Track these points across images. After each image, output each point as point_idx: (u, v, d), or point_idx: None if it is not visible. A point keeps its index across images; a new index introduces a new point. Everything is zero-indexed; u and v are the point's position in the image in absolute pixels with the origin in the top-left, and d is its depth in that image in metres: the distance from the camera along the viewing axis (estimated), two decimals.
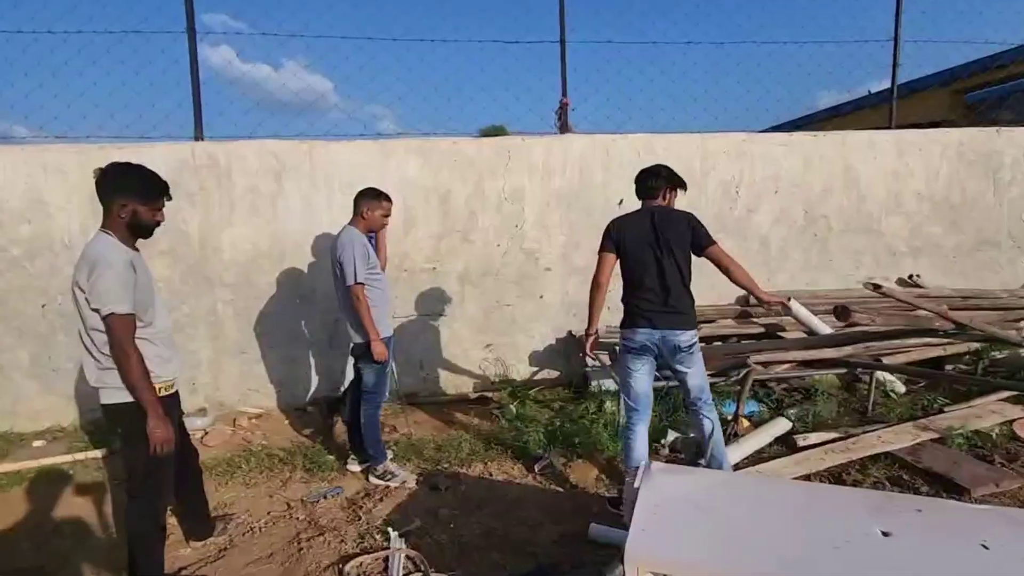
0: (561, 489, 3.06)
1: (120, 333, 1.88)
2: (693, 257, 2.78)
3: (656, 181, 2.84)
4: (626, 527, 2.02)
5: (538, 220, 4.46)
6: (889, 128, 4.92)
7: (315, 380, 4.41)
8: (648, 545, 1.56)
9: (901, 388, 4.20)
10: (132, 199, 1.98)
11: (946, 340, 4.07)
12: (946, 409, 3.70)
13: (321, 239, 4.24)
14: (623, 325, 2.90)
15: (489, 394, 4.40)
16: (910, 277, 4.88)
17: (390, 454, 3.32)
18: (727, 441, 3.40)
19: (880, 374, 4.04)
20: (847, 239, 4.81)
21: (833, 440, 3.37)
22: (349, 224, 3.17)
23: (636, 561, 1.52)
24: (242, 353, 4.28)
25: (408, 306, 4.38)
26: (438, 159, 4.30)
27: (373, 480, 3.13)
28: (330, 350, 4.39)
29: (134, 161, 2.09)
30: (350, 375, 4.35)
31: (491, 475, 3.20)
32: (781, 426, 3.56)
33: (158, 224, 2.09)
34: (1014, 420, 3.57)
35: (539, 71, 4.99)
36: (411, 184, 4.28)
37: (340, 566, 2.35)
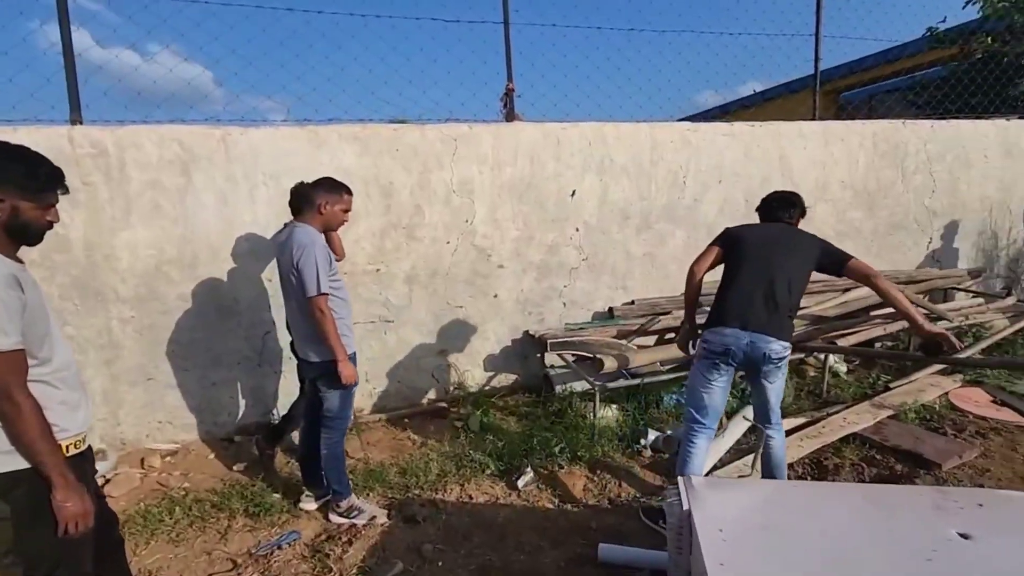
0: (551, 505, 2.81)
1: (5, 377, 1.36)
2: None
3: (792, 212, 2.79)
4: (660, 545, 1.80)
5: (489, 214, 4.15)
6: (813, 119, 5.15)
7: (242, 405, 3.80)
8: None
9: (843, 368, 4.40)
10: (11, 192, 1.44)
11: (886, 321, 4.28)
12: (891, 386, 3.90)
13: (244, 240, 3.65)
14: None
15: (446, 404, 4.05)
16: None
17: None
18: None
19: (825, 357, 4.19)
20: None
21: (803, 426, 3.41)
22: (300, 221, 2.68)
23: None
24: (147, 380, 3.58)
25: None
26: (378, 147, 3.85)
27: (336, 519, 2.68)
28: (259, 369, 3.81)
29: None
30: (287, 397, 3.82)
31: (471, 498, 2.87)
32: (741, 425, 3.54)
33: (49, 226, 1.55)
34: (949, 391, 3.83)
35: (483, 54, 4.62)
36: (348, 175, 3.75)
37: None
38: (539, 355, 4.28)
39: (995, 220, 5.76)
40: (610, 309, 4.51)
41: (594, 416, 3.51)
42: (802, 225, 5.02)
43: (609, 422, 3.55)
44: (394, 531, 2.60)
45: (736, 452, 3.19)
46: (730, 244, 2.64)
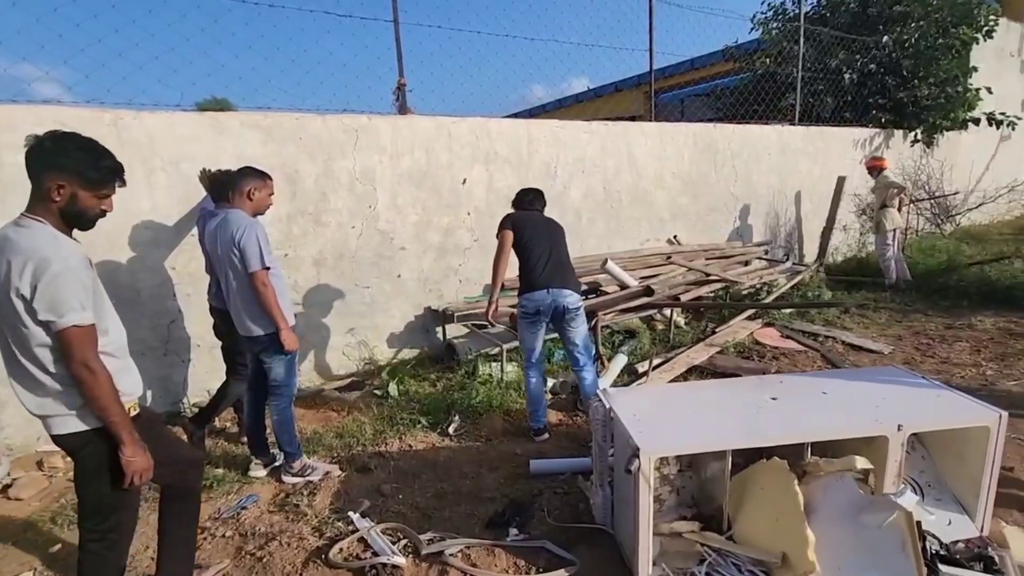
0: (480, 443, 3.33)
1: (84, 349, 1.53)
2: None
3: (543, 202, 3.59)
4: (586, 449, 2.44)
5: (391, 200, 4.49)
6: (651, 120, 6.25)
7: (149, 397, 3.71)
8: (651, 440, 2.01)
9: (682, 321, 5.53)
10: (73, 180, 1.57)
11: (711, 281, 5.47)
12: (716, 330, 5.07)
13: (144, 228, 3.57)
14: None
15: (358, 379, 4.33)
16: (674, 237, 6.35)
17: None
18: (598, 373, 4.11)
19: (668, 312, 5.27)
20: (632, 209, 5.99)
21: (659, 364, 4.36)
22: (227, 207, 2.83)
23: (649, 453, 1.96)
24: None
25: None
26: (282, 135, 3.97)
27: (290, 480, 2.92)
28: (164, 358, 3.74)
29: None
30: (197, 385, 3.83)
31: (411, 447, 3.28)
32: (621, 361, 4.42)
33: (103, 215, 1.69)
34: (754, 331, 5.10)
35: (376, 50, 4.86)
36: (252, 163, 3.81)
37: (324, 556, 2.26)
38: (441, 327, 4.75)
39: (776, 203, 7.48)
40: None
41: (502, 372, 4.10)
42: (644, 208, 6.11)
43: (512, 376, 4.17)
44: (351, 479, 2.93)
45: None
46: (518, 229, 3.32)
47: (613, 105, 13.46)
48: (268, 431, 3.07)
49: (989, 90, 8.98)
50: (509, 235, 3.33)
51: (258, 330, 2.78)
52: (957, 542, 2.20)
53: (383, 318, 4.58)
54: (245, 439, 3.19)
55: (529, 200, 3.52)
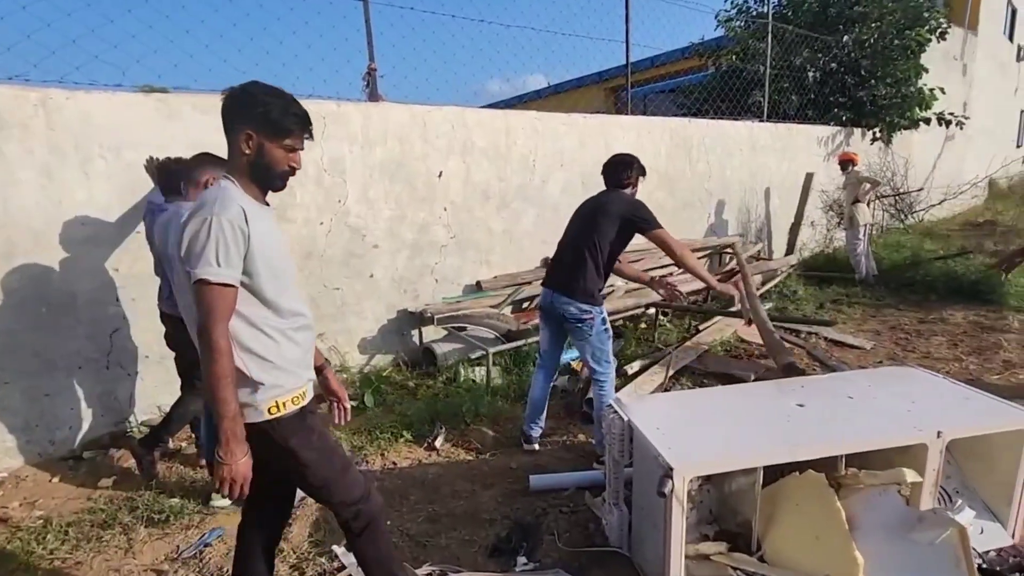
0: (471, 457, 3.07)
1: (207, 310, 1.36)
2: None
3: (627, 172, 2.97)
4: (599, 460, 2.24)
5: (362, 194, 4.15)
6: (628, 114, 6.10)
7: (88, 416, 3.27)
8: (684, 457, 1.80)
9: (666, 320, 5.41)
10: (260, 130, 1.44)
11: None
12: (700, 328, 4.96)
13: (79, 224, 3.12)
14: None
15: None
16: None
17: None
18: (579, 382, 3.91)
19: (652, 311, 5.13)
20: None
21: (649, 365, 4.19)
22: (179, 200, 2.47)
23: (683, 472, 1.75)
24: None
25: None
26: None
27: None
28: (107, 372, 3.31)
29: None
30: (146, 400, 3.41)
31: (395, 464, 2.98)
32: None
33: (292, 173, 1.54)
34: (737, 328, 5.02)
35: (344, 31, 4.47)
36: (207, 150, 3.46)
37: None
38: (416, 330, 4.45)
39: (747, 199, 7.49)
40: (478, 283, 4.86)
41: (487, 377, 3.84)
42: None
43: (498, 381, 3.92)
44: None
45: None
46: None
47: (573, 102, 13.34)
48: None
49: (943, 90, 9.29)
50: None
51: None
52: (989, 552, 2.10)
53: (355, 321, 4.24)
54: (204, 462, 2.82)
55: (609, 181, 3.00)
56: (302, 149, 1.53)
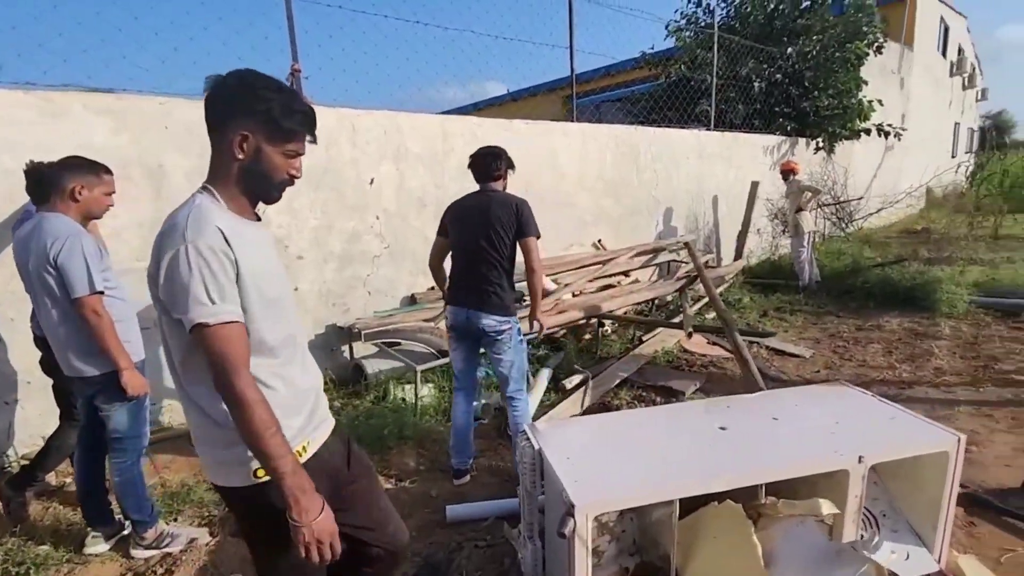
0: (390, 485, 2.85)
1: (218, 359, 1.11)
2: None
3: (496, 166, 2.81)
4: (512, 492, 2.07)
5: (284, 203, 3.84)
6: (572, 121, 6.00)
7: None
8: (589, 493, 1.65)
9: (610, 330, 5.31)
10: (258, 130, 1.19)
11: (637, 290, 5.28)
12: (643, 339, 4.87)
13: None
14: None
15: None
16: (599, 241, 6.14)
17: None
18: None
19: (594, 321, 5.02)
20: (554, 213, 5.70)
21: (586, 380, 4.06)
22: (46, 210, 2.19)
23: (586, 510, 1.60)
24: None
25: None
26: (140, 123, 3.28)
27: (140, 554, 2.30)
28: None
29: None
30: (27, 433, 3.06)
31: None
32: (545, 377, 4.08)
33: (290, 183, 1.28)
34: (679, 340, 4.95)
35: (263, 29, 4.18)
36: (100, 154, 3.10)
37: None
38: (347, 346, 4.20)
39: (695, 207, 7.51)
40: (412, 296, 4.64)
41: (416, 396, 3.62)
42: (567, 211, 5.86)
43: (428, 400, 3.71)
44: (223, 547, 2.35)
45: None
46: (448, 227, 2.77)
47: (530, 109, 13.31)
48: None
49: (880, 102, 9.60)
50: (438, 243, 2.82)
51: (90, 370, 2.16)
52: None
53: None
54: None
55: (478, 174, 2.82)
56: (304, 154, 1.29)
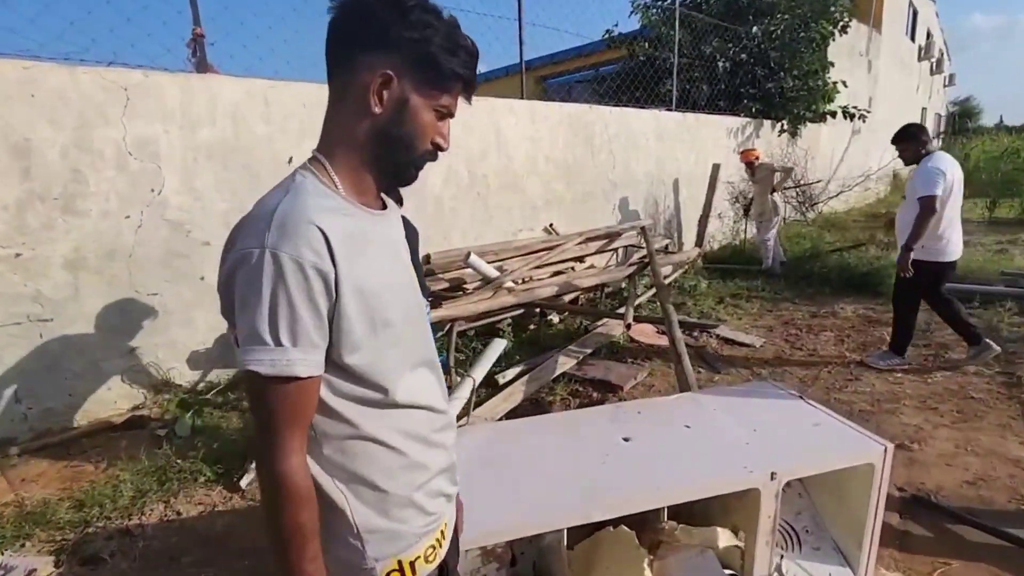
0: None
1: (266, 421, 0.76)
2: None
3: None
4: None
5: (184, 182, 3.51)
6: (521, 99, 5.67)
7: None
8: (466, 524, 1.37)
9: (556, 319, 5.06)
10: (405, 73, 0.82)
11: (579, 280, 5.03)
12: (589, 328, 4.63)
13: None
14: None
15: (146, 412, 3.35)
16: (551, 226, 5.86)
17: None
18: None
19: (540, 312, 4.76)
20: (502, 196, 5.40)
21: (524, 373, 3.81)
22: None
23: (463, 543, 1.33)
24: None
25: None
26: (1, 91, 2.88)
27: None
28: None
29: None
30: None
31: (179, 513, 2.43)
32: (499, 345, 3.83)
33: (434, 156, 0.91)
34: (629, 328, 4.72)
35: None
36: None
37: None
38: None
39: (655, 190, 7.27)
40: None
41: None
42: (516, 195, 5.55)
43: None
44: None
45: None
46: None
47: (502, 89, 12.86)
48: None
49: (844, 83, 9.44)
50: None
51: None
52: None
53: (182, 332, 3.61)
54: None
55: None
56: (454, 116, 0.92)
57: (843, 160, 11.73)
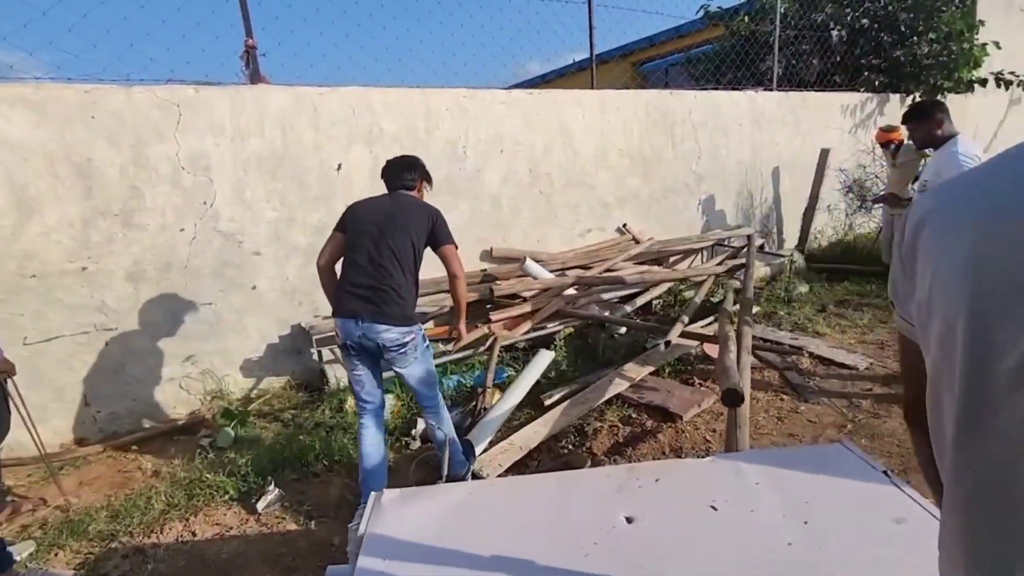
0: (295, 525, 2.48)
1: None
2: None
3: (412, 174, 2.55)
4: None
5: (235, 194, 3.57)
6: (592, 89, 5.25)
7: None
8: None
9: (623, 330, 4.63)
10: None
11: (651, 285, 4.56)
12: (659, 341, 4.16)
13: None
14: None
15: (201, 418, 3.47)
16: (624, 226, 5.41)
17: (24, 548, 2.29)
18: (476, 414, 3.24)
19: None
20: (567, 194, 5.05)
21: (573, 393, 3.47)
22: None
23: None
24: None
25: (47, 323, 3.12)
26: (64, 114, 3.05)
27: None
28: None
29: None
30: None
31: (194, 535, 2.43)
32: (544, 359, 3.56)
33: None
34: (704, 343, 4.19)
35: (210, 2, 3.86)
36: (20, 150, 2.97)
37: None
38: (317, 348, 3.88)
39: (750, 181, 6.49)
40: None
41: None
42: (583, 191, 5.18)
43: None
44: None
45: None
46: (347, 225, 2.44)
47: (599, 78, 12.36)
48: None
49: (998, 45, 7.87)
50: (335, 237, 2.47)
51: None
52: None
53: (235, 340, 3.71)
54: None
55: (391, 175, 2.55)
56: None
57: (996, 136, 9.86)
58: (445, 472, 2.11)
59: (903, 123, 3.29)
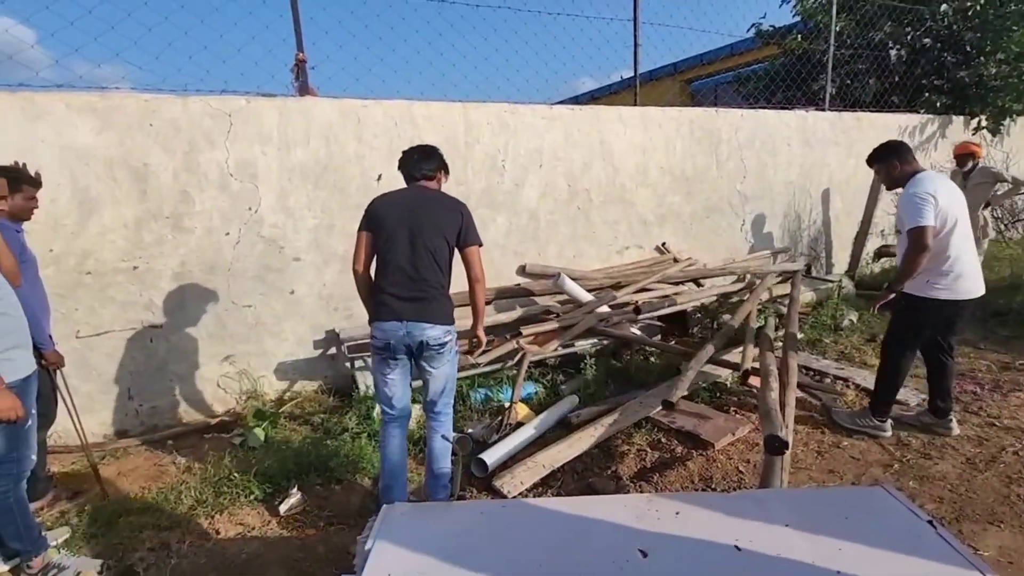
0: (314, 530, 2.50)
1: None
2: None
3: (432, 163, 2.50)
4: None
5: (279, 201, 3.69)
6: (635, 105, 5.20)
7: None
8: None
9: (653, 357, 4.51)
10: None
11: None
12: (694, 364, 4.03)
13: None
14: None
15: (231, 419, 3.56)
16: (663, 245, 5.31)
17: (60, 535, 2.38)
18: (500, 429, 3.21)
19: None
20: (606, 211, 5.00)
21: (602, 414, 3.39)
22: None
23: None
24: None
25: (99, 318, 3.28)
26: (124, 122, 3.23)
27: None
28: None
29: None
30: None
31: (218, 532, 2.47)
32: (566, 405, 3.49)
33: None
34: (747, 378, 4.03)
35: (264, 17, 4.05)
36: (84, 155, 3.15)
37: None
38: (347, 355, 3.93)
39: (798, 203, 6.28)
40: None
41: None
42: (622, 208, 5.12)
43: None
44: None
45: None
46: (374, 224, 2.39)
47: (646, 95, 12.25)
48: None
49: None
50: (364, 238, 2.43)
51: None
52: None
53: (272, 343, 3.80)
54: None
55: (411, 166, 2.47)
56: None
57: None
58: (456, 491, 2.08)
59: (868, 163, 3.10)
